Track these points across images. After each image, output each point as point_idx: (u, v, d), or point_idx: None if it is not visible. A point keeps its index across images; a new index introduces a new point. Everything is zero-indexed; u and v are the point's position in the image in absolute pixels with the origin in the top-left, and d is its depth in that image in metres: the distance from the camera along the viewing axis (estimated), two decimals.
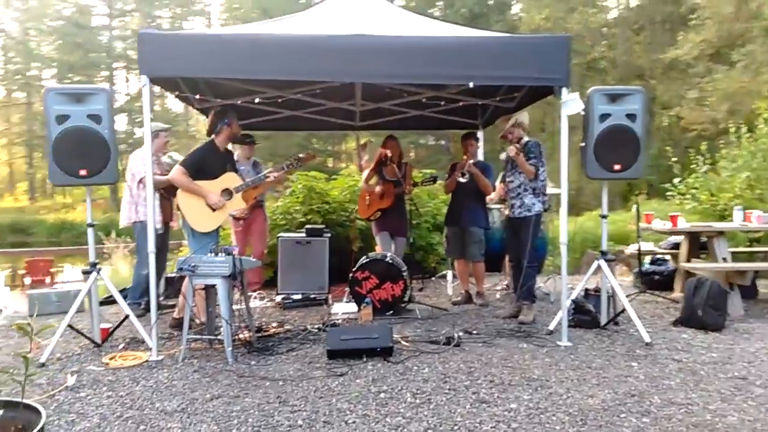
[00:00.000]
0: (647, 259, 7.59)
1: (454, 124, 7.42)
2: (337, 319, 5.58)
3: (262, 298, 6.66)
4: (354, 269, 5.83)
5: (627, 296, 6.03)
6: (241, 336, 4.68)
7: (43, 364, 4.21)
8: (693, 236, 6.38)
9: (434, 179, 6.48)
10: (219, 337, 4.44)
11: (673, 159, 9.89)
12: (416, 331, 5.01)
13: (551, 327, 4.91)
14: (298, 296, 6.43)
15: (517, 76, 4.60)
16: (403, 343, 4.59)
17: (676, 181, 9.55)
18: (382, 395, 3.50)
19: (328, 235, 7.21)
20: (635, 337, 4.68)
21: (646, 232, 7.18)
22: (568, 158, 4.58)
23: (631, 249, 7.04)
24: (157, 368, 4.14)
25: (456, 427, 3.01)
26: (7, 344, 4.98)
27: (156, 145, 5.72)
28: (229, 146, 5.38)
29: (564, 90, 4.52)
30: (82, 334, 4.65)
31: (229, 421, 3.16)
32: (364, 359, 4.18)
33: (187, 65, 4.43)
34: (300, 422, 3.13)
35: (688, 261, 6.40)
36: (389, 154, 6.35)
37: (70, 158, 4.36)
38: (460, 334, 4.75)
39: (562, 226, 4.64)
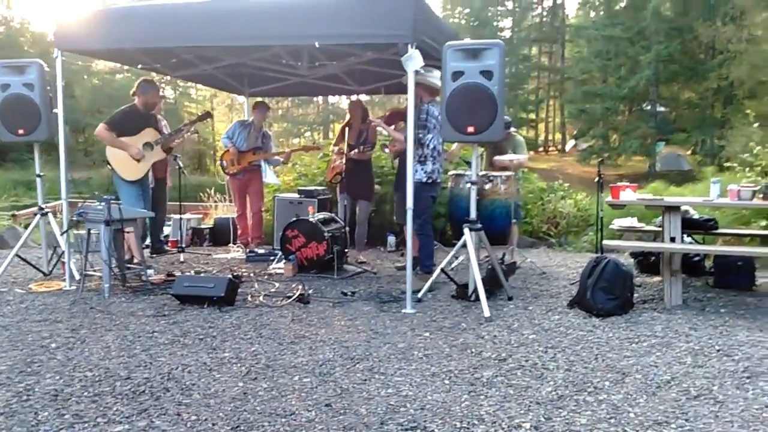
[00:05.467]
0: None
1: None
2: (270, 273, 6.00)
3: (238, 251, 7.29)
4: (284, 227, 6.15)
5: None
6: (151, 279, 5.39)
7: None
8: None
9: (372, 146, 6.46)
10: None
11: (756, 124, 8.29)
12: (300, 288, 5.21)
13: (419, 294, 4.78)
14: (262, 251, 6.95)
15: (360, 33, 4.51)
16: (261, 297, 4.87)
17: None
18: (154, 335, 3.89)
19: (324, 197, 7.60)
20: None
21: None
22: None
23: (617, 224, 6.26)
24: (54, 296, 4.99)
25: (153, 366, 3.31)
26: None
27: None
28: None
29: (409, 46, 4.32)
30: (31, 264, 5.71)
31: (19, 337, 3.83)
32: (205, 306, 4.58)
33: (93, 39, 5.15)
34: (54, 344, 3.68)
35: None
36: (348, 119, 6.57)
37: (12, 119, 5.35)
38: (310, 291, 4.90)
39: (409, 191, 4.46)
